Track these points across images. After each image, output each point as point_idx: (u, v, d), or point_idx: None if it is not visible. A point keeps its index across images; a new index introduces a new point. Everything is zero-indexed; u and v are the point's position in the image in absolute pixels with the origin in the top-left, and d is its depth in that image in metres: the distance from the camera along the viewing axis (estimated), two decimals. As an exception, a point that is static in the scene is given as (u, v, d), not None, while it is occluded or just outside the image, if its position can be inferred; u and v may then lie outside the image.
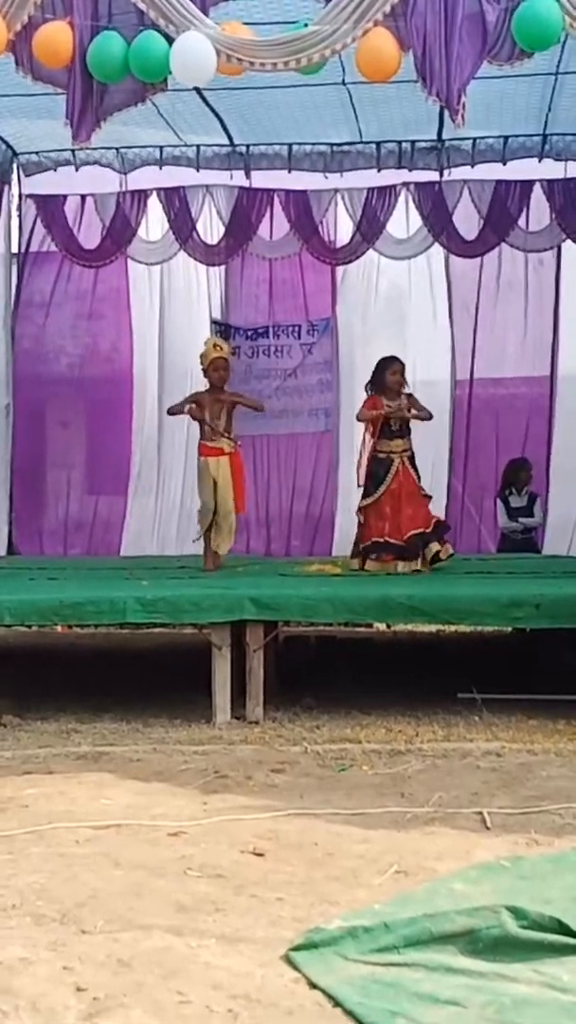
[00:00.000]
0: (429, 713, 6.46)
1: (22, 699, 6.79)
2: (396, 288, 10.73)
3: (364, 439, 8.65)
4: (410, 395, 8.52)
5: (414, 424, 8.50)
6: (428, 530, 8.30)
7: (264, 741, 5.98)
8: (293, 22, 6.62)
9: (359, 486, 8.64)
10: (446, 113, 6.66)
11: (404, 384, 8.45)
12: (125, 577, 7.89)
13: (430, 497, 8.59)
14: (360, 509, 8.50)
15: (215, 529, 8.29)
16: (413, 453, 8.46)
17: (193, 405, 8.37)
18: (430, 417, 8.66)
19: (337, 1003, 2.97)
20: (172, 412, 8.77)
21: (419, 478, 8.46)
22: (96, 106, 6.69)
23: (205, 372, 8.40)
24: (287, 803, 4.79)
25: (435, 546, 8.29)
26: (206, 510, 8.27)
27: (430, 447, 9.59)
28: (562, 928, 3.28)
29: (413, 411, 8.41)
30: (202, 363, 8.45)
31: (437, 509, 9.08)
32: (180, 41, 6.41)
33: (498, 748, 5.75)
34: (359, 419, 8.71)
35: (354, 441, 9.52)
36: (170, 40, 6.46)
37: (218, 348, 8.48)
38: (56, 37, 6.56)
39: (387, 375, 8.40)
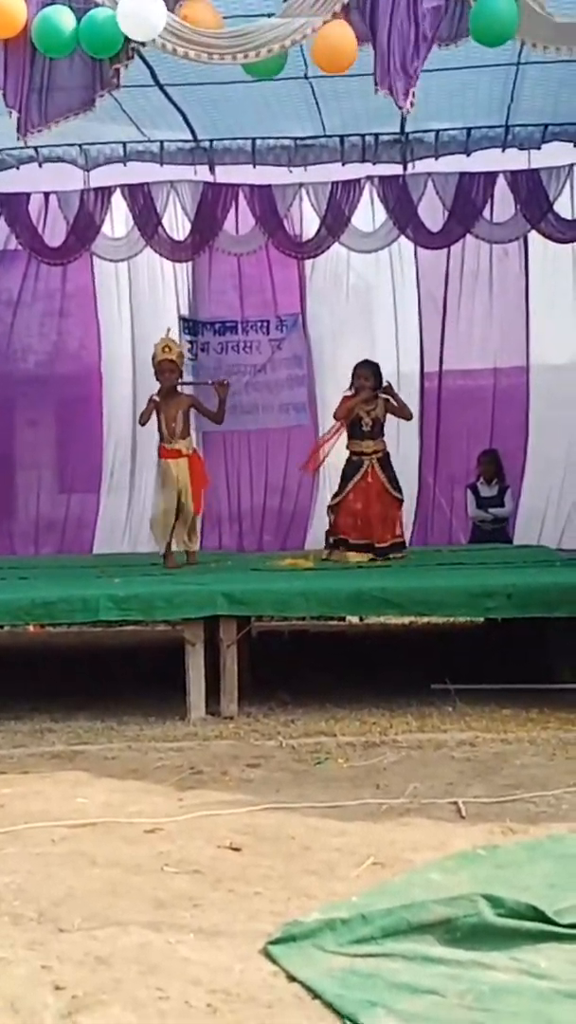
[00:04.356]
0: (403, 705, 6.48)
1: (-5, 699, 6.77)
2: (364, 281, 10.74)
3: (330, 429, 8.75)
4: (387, 388, 8.49)
5: (390, 419, 8.52)
6: (388, 544, 8.32)
7: (239, 736, 5.98)
8: (255, 15, 6.58)
9: (299, 468, 8.65)
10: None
11: (373, 388, 8.42)
12: (97, 575, 7.87)
13: (401, 501, 8.59)
14: (330, 507, 8.55)
15: (177, 530, 8.07)
16: (387, 454, 8.47)
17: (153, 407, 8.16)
18: (409, 417, 8.75)
19: (316, 995, 2.98)
20: (142, 422, 8.40)
21: (392, 479, 8.46)
22: (43, 102, 6.58)
23: (156, 375, 8.20)
24: (263, 798, 4.80)
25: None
26: (168, 512, 8.01)
27: (401, 439, 9.61)
28: (538, 915, 3.31)
29: (362, 406, 8.37)
30: (152, 364, 8.24)
31: (409, 501, 9.13)
32: None
33: (472, 738, 5.77)
34: (335, 417, 8.71)
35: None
36: None
37: (167, 350, 8.14)
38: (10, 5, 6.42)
39: (354, 380, 8.43)
